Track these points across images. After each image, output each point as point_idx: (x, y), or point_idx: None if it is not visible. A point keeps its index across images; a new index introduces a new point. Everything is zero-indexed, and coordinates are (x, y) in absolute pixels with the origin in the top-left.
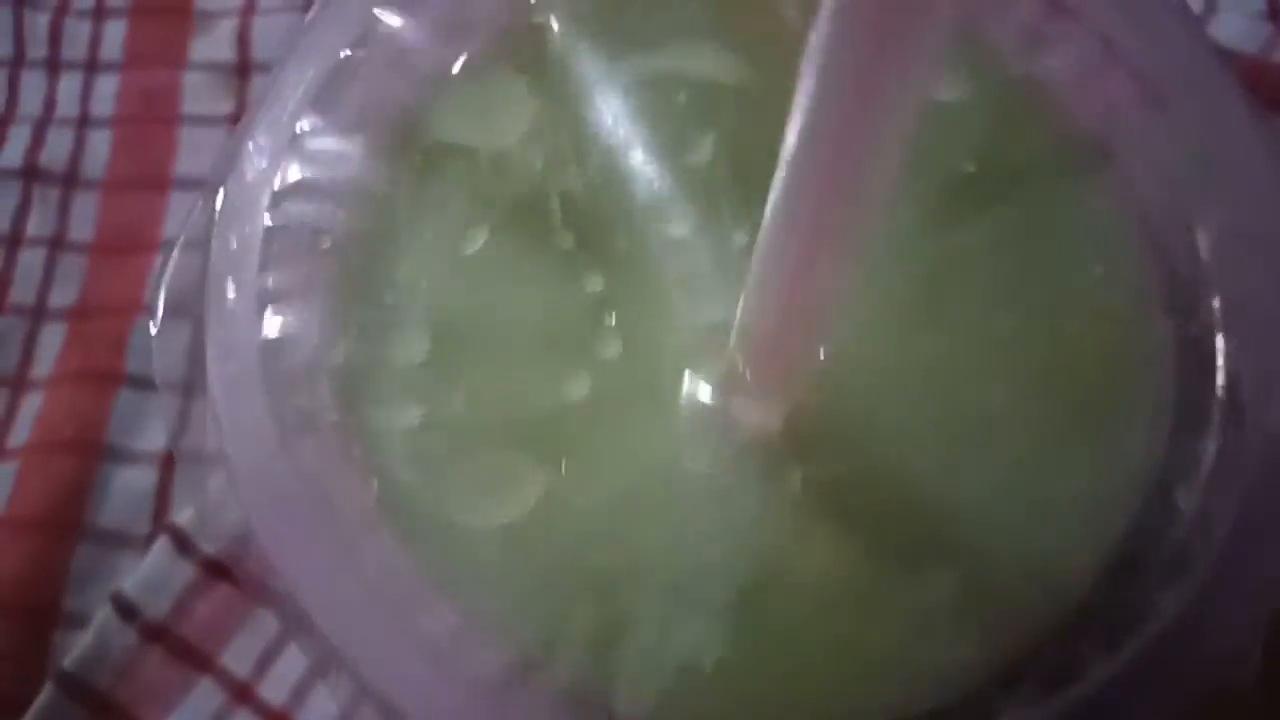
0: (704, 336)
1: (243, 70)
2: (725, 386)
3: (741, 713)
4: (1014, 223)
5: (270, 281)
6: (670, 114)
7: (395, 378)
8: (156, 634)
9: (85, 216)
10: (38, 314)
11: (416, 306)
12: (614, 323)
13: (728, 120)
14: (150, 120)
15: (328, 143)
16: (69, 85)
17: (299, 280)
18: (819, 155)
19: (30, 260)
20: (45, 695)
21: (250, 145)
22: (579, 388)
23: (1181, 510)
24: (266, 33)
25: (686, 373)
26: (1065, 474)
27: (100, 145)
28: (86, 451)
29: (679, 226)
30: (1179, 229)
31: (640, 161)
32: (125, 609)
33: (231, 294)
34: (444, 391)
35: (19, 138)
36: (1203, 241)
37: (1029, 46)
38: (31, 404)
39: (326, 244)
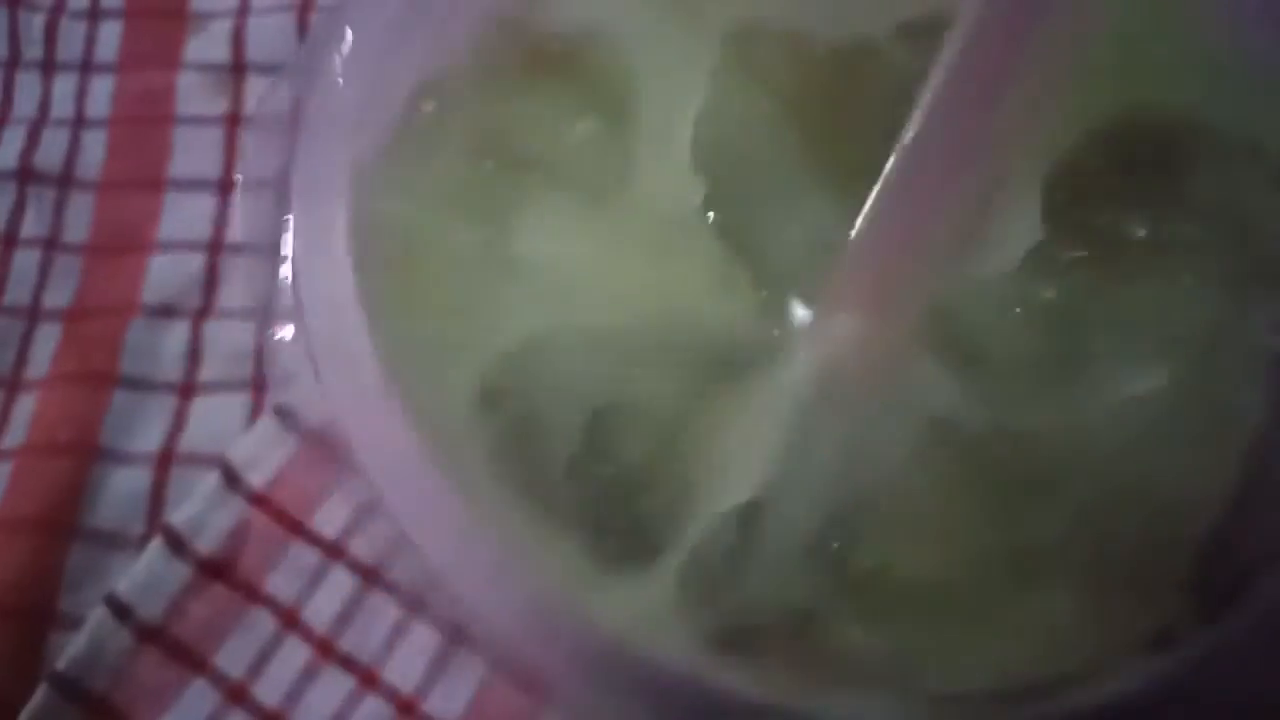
0: (809, 252)
1: (237, 70)
2: (829, 302)
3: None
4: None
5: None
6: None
7: None
8: (151, 635)
9: (80, 217)
10: (33, 315)
11: None
12: (715, 227)
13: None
14: (145, 121)
15: None
16: (64, 86)
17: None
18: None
19: (25, 261)
20: (39, 696)
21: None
22: (671, 282)
23: None
24: (261, 33)
25: (788, 288)
26: (1177, 432)
27: (95, 146)
28: (81, 452)
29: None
30: None
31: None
32: (120, 610)
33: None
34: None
35: (14, 139)
36: None
37: None
38: (26, 405)
39: None
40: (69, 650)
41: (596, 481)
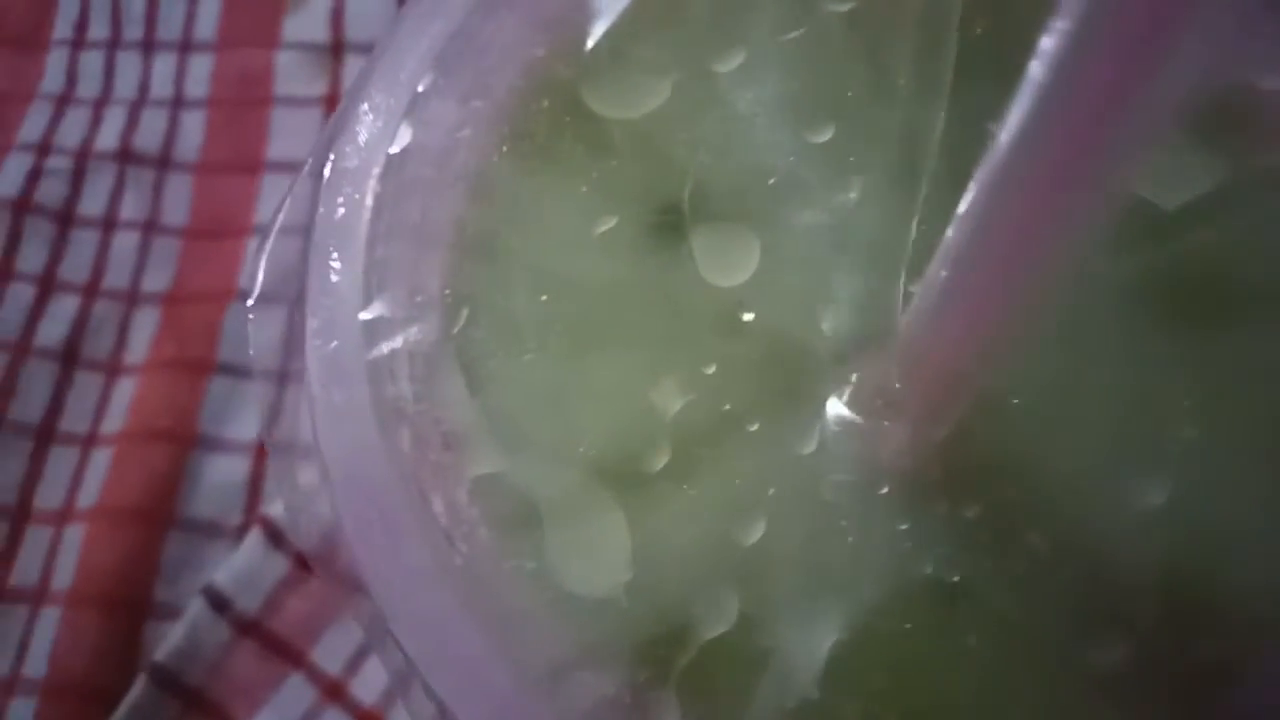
0: (851, 346)
1: (336, 50)
2: (873, 405)
3: None
4: (1206, 255)
5: (379, 253)
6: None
7: (503, 369)
8: (248, 628)
9: (179, 200)
10: (131, 299)
11: (530, 292)
12: (749, 324)
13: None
14: (244, 102)
15: (448, 107)
16: (163, 66)
17: (409, 255)
18: (1030, 179)
19: (124, 244)
20: (139, 688)
21: (364, 106)
22: (701, 393)
23: None
24: (361, 12)
25: (829, 386)
26: (1251, 535)
27: (194, 127)
28: (179, 440)
29: (825, 220)
30: None
31: (784, 151)
32: (217, 602)
33: (336, 266)
34: (546, 397)
35: (114, 119)
36: None
37: None
38: (125, 390)
39: (442, 217)
40: (168, 641)
41: None
